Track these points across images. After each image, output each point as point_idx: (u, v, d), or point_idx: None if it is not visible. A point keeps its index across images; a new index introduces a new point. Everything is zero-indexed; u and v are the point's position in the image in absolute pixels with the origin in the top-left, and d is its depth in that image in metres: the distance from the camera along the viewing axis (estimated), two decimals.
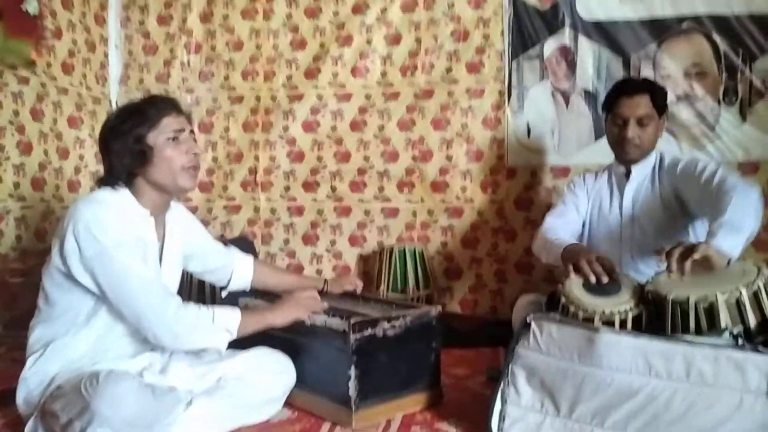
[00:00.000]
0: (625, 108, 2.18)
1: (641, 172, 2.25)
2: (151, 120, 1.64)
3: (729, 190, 1.85)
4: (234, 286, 2.08)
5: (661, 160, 2.26)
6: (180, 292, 1.79)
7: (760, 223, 1.81)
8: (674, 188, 2.18)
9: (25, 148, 2.84)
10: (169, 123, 1.66)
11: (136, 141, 1.62)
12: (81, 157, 3.13)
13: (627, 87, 2.22)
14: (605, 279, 1.78)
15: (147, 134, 1.64)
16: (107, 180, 1.66)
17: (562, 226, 2.23)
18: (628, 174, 2.27)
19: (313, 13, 3.36)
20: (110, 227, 1.57)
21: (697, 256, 1.60)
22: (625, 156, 2.24)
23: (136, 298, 1.57)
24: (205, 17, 3.44)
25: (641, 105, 2.17)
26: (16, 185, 2.78)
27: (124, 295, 1.57)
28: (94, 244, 1.54)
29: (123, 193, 1.65)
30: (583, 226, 2.36)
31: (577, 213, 2.33)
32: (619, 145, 2.23)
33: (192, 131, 1.74)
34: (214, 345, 1.67)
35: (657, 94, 2.20)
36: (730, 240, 1.68)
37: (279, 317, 1.80)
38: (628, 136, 2.17)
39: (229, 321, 1.67)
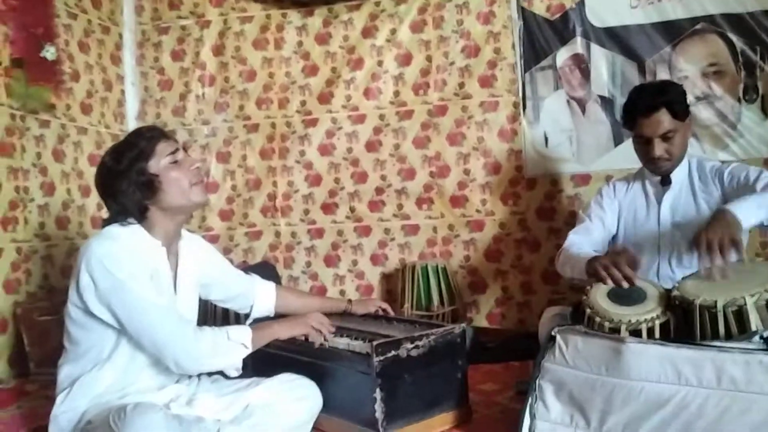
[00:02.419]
0: (645, 129, 2.06)
1: (679, 179, 2.15)
2: (145, 151, 1.66)
3: None
4: (257, 313, 2.08)
5: (699, 164, 2.17)
6: (204, 322, 1.81)
7: None
8: (723, 196, 2.07)
9: (49, 189, 2.90)
10: (163, 148, 1.68)
11: (139, 174, 1.64)
12: None
13: (642, 106, 2.07)
14: (625, 285, 1.73)
15: (147, 164, 1.65)
16: (116, 219, 1.67)
17: (587, 242, 2.15)
18: (663, 182, 2.17)
19: (323, 39, 3.39)
20: (123, 260, 1.58)
21: (730, 249, 1.58)
22: (657, 171, 2.16)
23: (155, 328, 1.59)
24: (218, 50, 3.49)
25: (661, 122, 2.04)
26: (41, 225, 2.84)
27: (142, 326, 1.59)
28: (108, 277, 1.56)
29: (133, 228, 1.67)
30: (616, 237, 2.26)
31: (603, 227, 2.22)
32: (648, 162, 2.14)
33: (184, 149, 1.76)
34: (232, 362, 1.69)
35: (675, 104, 2.05)
36: (746, 209, 1.67)
37: (283, 331, 1.84)
38: (656, 155, 2.07)
39: (243, 336, 1.70)
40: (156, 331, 1.59)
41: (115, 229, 1.65)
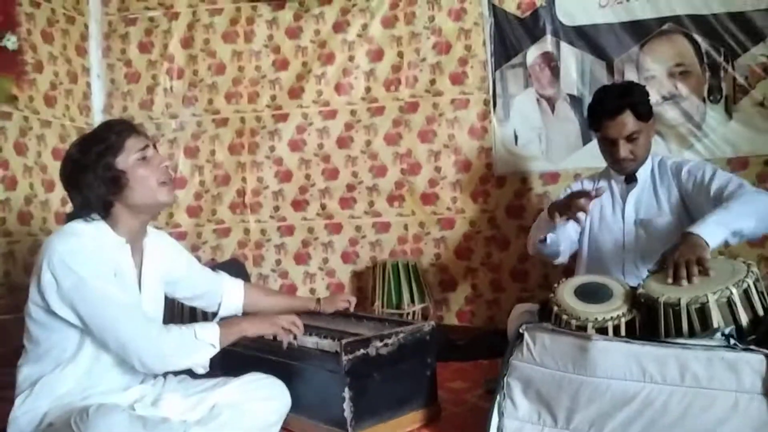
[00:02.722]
0: (610, 130, 2.12)
1: (643, 177, 2.22)
2: (114, 145, 1.62)
3: (738, 195, 1.87)
4: (225, 311, 2.06)
5: (661, 162, 2.23)
6: (171, 320, 1.78)
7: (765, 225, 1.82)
8: (680, 193, 2.15)
9: (10, 183, 2.82)
10: (132, 144, 1.65)
11: (105, 169, 1.60)
12: None
13: (607, 108, 2.13)
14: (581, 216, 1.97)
15: (115, 160, 1.62)
16: (79, 214, 1.64)
17: None
18: (628, 179, 2.23)
19: (294, 33, 3.36)
20: (85, 258, 1.55)
21: (697, 270, 1.60)
22: (622, 171, 2.22)
23: (119, 326, 1.56)
24: (186, 42, 3.43)
25: (626, 123, 2.10)
26: (2, 221, 2.76)
27: (106, 324, 1.55)
28: (70, 275, 1.52)
29: (97, 224, 1.63)
30: (583, 233, 2.33)
31: None
32: (614, 162, 2.20)
33: (154, 145, 1.72)
34: (200, 360, 1.66)
35: (639, 105, 2.11)
36: (711, 230, 1.70)
37: (252, 329, 1.80)
38: (621, 156, 2.13)
39: (210, 335, 1.67)
40: (120, 330, 1.56)
41: (77, 225, 1.61)
